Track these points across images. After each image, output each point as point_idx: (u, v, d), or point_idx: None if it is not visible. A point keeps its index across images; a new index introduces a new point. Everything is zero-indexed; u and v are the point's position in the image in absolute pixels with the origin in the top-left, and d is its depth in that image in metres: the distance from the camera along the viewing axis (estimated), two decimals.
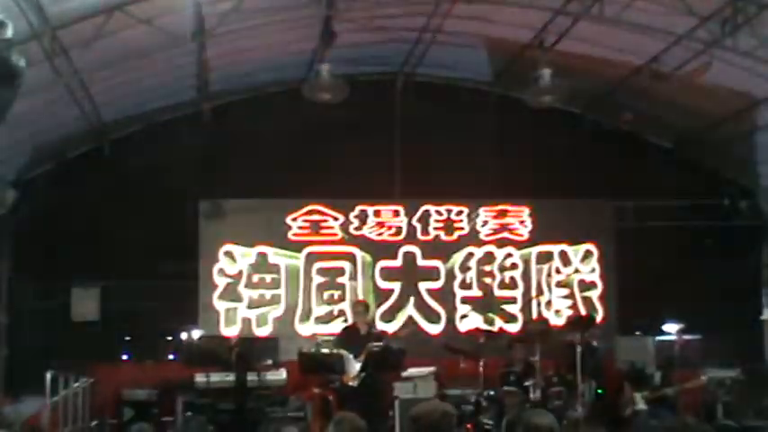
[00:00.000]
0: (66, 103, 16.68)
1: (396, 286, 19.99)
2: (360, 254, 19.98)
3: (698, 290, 19.25)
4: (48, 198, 18.81)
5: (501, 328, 19.49)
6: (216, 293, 19.52)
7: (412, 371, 15.88)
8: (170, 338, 18.61)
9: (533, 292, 20.19)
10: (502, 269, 20.27)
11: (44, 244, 18.88)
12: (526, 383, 15.88)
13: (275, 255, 19.78)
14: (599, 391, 16.71)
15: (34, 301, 18.86)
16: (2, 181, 17.75)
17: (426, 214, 20.19)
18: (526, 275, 20.32)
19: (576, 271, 20.37)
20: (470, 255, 20.24)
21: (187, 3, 13.97)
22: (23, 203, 17.95)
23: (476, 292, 20.18)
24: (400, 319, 19.84)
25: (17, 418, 14.55)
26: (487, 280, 20.21)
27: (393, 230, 20.14)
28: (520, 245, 20.37)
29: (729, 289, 19.47)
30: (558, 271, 20.39)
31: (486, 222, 20.34)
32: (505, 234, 20.35)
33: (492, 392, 15.79)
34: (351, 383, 14.99)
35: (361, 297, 19.16)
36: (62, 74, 15.17)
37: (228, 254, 19.64)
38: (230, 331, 19.19)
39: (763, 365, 18.86)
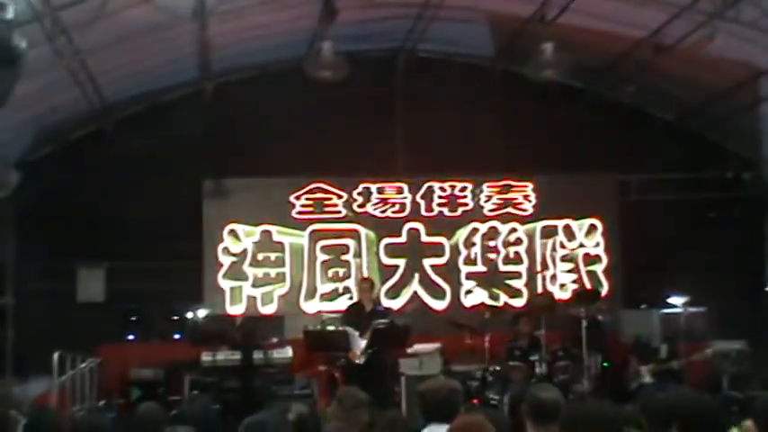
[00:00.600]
0: (68, 84, 16.65)
1: (400, 263, 20.01)
2: (364, 231, 19.99)
3: (702, 262, 19.25)
4: (51, 180, 18.80)
5: (506, 303, 19.54)
6: (220, 272, 19.56)
7: (417, 347, 15.91)
8: (176, 318, 18.61)
9: (538, 267, 20.23)
10: (506, 244, 20.27)
11: (48, 225, 18.88)
12: (532, 358, 15.94)
13: (279, 233, 19.80)
14: (604, 364, 16.80)
15: (39, 282, 18.87)
16: (5, 163, 17.76)
17: (430, 190, 20.19)
18: (530, 250, 20.33)
19: (581, 245, 20.39)
20: (475, 230, 20.25)
21: None
22: (27, 185, 17.96)
23: (480, 267, 20.20)
24: (405, 295, 19.87)
25: (25, 398, 14.56)
26: (492, 255, 20.24)
27: (397, 207, 20.14)
28: (524, 220, 20.37)
29: (733, 261, 19.48)
30: (562, 245, 20.39)
31: (489, 198, 20.33)
32: (509, 209, 20.35)
33: (497, 368, 15.86)
34: (357, 361, 15.03)
35: (365, 274, 19.20)
36: (63, 55, 15.13)
37: (232, 232, 19.66)
38: (235, 310, 19.25)
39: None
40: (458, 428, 5.94)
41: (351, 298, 16.83)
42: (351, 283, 19.49)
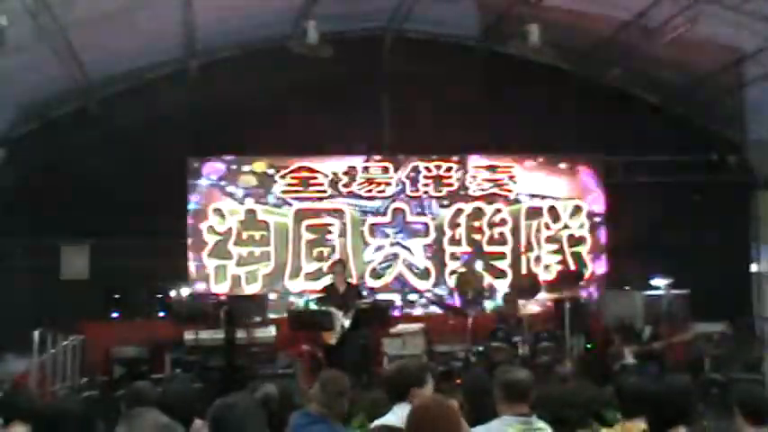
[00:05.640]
0: (51, 61, 16.58)
1: (385, 242, 20.02)
2: (348, 210, 19.99)
3: (686, 245, 19.30)
4: (35, 156, 18.75)
5: (490, 284, 19.56)
6: (205, 251, 19.55)
7: (401, 327, 15.97)
8: (159, 296, 18.59)
9: (522, 248, 20.26)
10: (491, 225, 20.29)
11: (32, 202, 18.81)
12: (514, 339, 15.98)
13: (264, 212, 19.79)
14: (587, 345, 16.84)
15: (23, 259, 18.82)
16: None
17: (415, 170, 20.19)
18: (515, 231, 20.36)
19: (565, 226, 20.42)
20: (459, 210, 20.26)
21: None
22: (10, 162, 17.95)
23: (465, 247, 20.22)
24: (390, 275, 19.90)
25: (5, 376, 14.58)
26: (476, 236, 20.26)
27: (382, 187, 20.14)
28: (509, 200, 20.39)
29: (717, 243, 19.53)
30: (547, 226, 20.42)
31: (474, 178, 20.34)
32: (494, 190, 20.36)
33: (481, 348, 15.89)
34: (331, 341, 15.11)
35: (350, 254, 19.32)
36: (46, 31, 15.06)
37: (217, 211, 19.65)
38: (219, 289, 19.24)
39: (750, 319, 18.97)
40: (418, 408, 5.97)
41: (333, 278, 16.87)
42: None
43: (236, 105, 19.23)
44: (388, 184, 20.14)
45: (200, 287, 19.11)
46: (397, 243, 19.99)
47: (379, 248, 19.94)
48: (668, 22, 16.87)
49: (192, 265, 19.47)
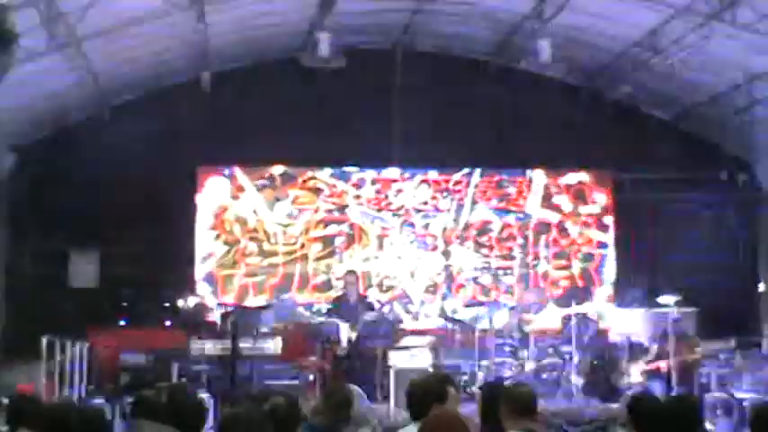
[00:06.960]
0: (65, 69, 16.63)
1: (394, 255, 20.02)
2: (358, 222, 20.00)
3: (693, 262, 19.29)
4: (47, 163, 18.81)
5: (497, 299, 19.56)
6: (213, 260, 19.57)
7: (408, 340, 15.95)
8: (167, 305, 18.62)
9: (530, 263, 20.24)
10: (499, 240, 20.28)
11: (43, 209, 18.87)
12: (521, 354, 15.96)
13: (273, 222, 19.81)
14: (594, 362, 16.79)
15: (32, 266, 18.87)
16: (0, 146, 17.76)
17: (425, 183, 20.20)
18: (523, 246, 20.35)
19: (573, 242, 20.41)
20: (468, 225, 20.25)
21: None
22: (22, 169, 17.99)
23: (474, 262, 20.21)
24: (398, 288, 19.91)
25: (12, 382, 14.57)
26: (484, 250, 20.25)
27: (391, 199, 20.14)
28: (517, 215, 20.38)
29: (724, 261, 19.52)
30: (555, 242, 20.41)
31: (484, 192, 20.34)
32: (503, 204, 20.36)
33: (487, 362, 15.86)
34: (339, 353, 15.13)
35: (353, 266, 19.33)
36: (59, 40, 15.10)
37: (226, 221, 19.67)
38: (227, 299, 19.24)
39: (758, 338, 18.91)
40: (429, 425, 5.96)
41: (345, 289, 16.88)
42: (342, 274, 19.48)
43: (246, 117, 19.31)
44: (397, 196, 20.15)
45: (207, 297, 19.10)
46: (406, 256, 20.02)
47: (387, 261, 19.96)
48: (680, 41, 16.89)
49: (199, 275, 19.50)
